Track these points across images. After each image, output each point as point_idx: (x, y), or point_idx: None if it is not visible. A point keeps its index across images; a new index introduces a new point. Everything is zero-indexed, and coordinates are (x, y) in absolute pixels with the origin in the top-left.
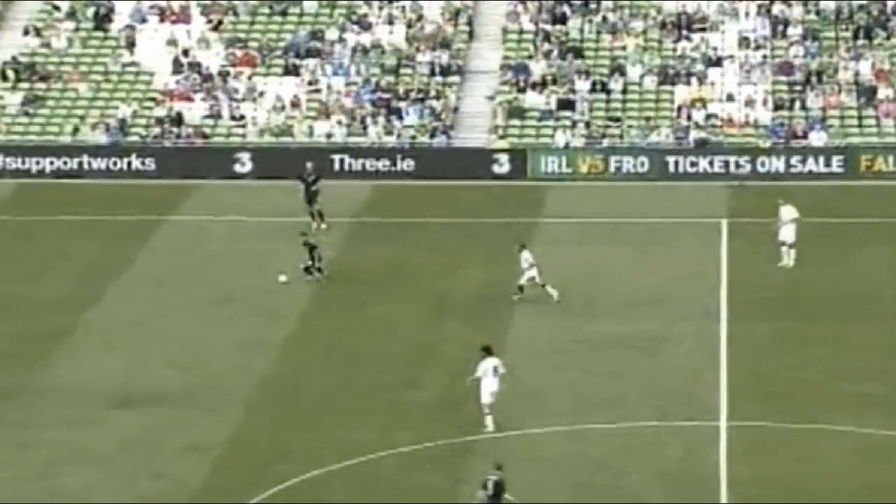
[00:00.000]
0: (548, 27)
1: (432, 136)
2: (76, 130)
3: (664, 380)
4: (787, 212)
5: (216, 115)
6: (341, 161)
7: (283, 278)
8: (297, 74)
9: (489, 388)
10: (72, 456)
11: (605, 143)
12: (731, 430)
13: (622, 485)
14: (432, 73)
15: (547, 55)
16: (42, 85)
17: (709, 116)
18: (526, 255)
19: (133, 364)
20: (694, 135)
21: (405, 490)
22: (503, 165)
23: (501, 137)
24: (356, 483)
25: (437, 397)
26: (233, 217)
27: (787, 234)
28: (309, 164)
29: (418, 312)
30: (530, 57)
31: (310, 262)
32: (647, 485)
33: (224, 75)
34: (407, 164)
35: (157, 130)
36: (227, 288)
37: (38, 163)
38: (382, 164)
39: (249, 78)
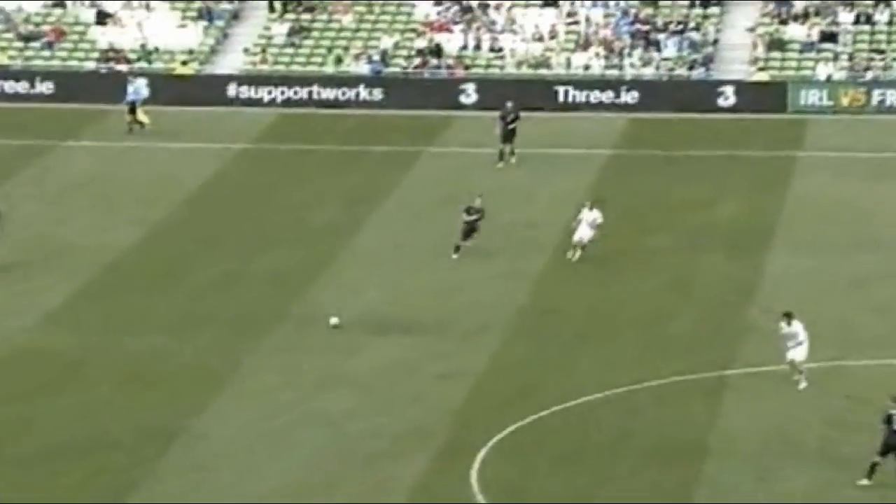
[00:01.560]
0: None
1: (691, 68)
2: (339, 61)
3: None
4: None
5: (475, 47)
6: (566, 92)
7: (334, 321)
8: (556, 6)
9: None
10: (334, 381)
11: (869, 75)
12: None
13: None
14: (692, 5)
15: None
16: (307, 16)
17: None
18: (595, 215)
19: (393, 292)
20: None
21: (660, 422)
22: (761, 98)
23: (761, 70)
24: (610, 414)
25: (692, 331)
26: (489, 149)
27: None
28: (509, 103)
29: (676, 245)
30: None
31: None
32: None
33: (483, 7)
34: (653, 98)
35: (417, 61)
36: (486, 217)
37: (301, 92)
38: (631, 97)
39: (508, 10)
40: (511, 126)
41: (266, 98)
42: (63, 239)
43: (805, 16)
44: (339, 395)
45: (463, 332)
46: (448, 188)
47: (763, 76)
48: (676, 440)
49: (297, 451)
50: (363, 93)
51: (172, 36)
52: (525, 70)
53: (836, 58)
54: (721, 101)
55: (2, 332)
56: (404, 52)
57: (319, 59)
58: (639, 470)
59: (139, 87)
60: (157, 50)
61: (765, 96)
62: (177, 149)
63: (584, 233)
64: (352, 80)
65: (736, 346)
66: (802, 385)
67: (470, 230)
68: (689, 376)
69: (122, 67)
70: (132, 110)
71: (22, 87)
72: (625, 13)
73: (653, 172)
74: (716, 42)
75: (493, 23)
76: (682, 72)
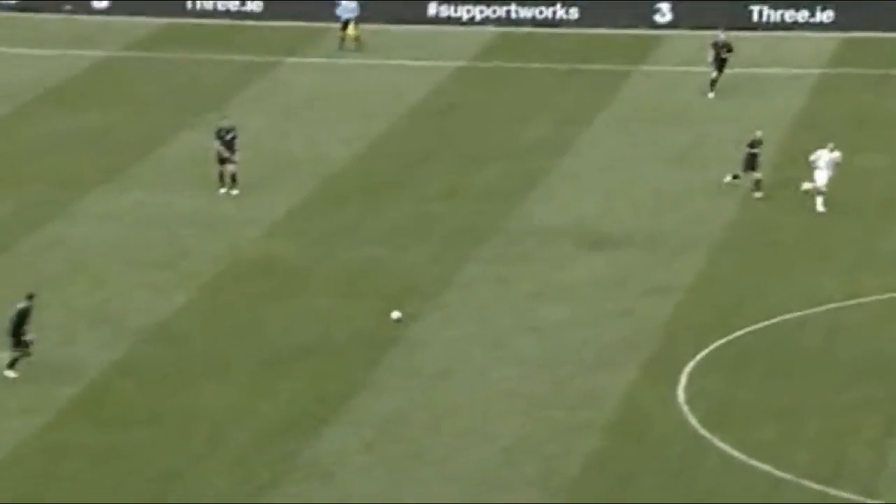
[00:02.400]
0: None
1: None
2: None
3: None
4: None
5: None
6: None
7: (396, 315)
8: None
9: None
10: (545, 292)
11: None
12: None
13: None
14: None
15: None
16: None
17: None
18: (835, 156)
19: (604, 207)
20: None
21: (870, 338)
22: None
23: None
24: (818, 330)
25: None
26: (697, 69)
27: None
28: (722, 34)
29: (889, 164)
30: None
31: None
32: None
33: None
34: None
35: None
36: (695, 137)
37: (518, 11)
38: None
39: None
40: (723, 56)
41: (478, 17)
42: (286, 153)
43: None
44: (551, 307)
45: (672, 247)
46: (658, 107)
47: None
48: (887, 356)
49: (512, 359)
50: (572, 11)
51: None
52: None
53: None
54: None
55: (231, 242)
56: None
57: None
58: (847, 385)
59: (349, 5)
60: None
61: None
62: (394, 66)
63: (822, 177)
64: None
65: None
66: None
67: (751, 162)
68: None
69: None
70: (344, 27)
71: (233, 5)
72: None
73: (861, 91)
74: None
75: None
76: None
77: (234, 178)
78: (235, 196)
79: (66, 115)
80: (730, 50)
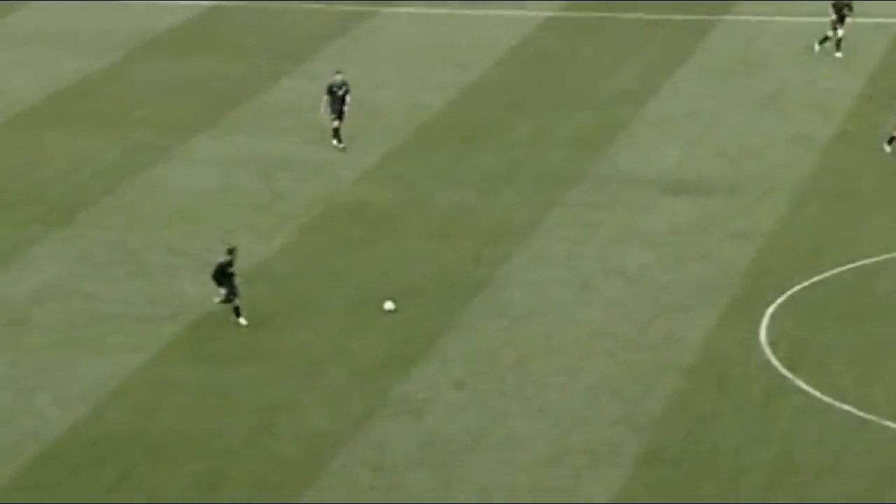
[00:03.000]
0: None
1: None
2: None
3: None
4: None
5: None
6: None
7: (389, 306)
8: None
9: None
10: (629, 237)
11: None
12: None
13: None
14: None
15: None
16: None
17: None
18: None
19: (686, 154)
20: None
21: None
22: None
23: None
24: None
25: None
26: (782, 18)
27: None
28: None
29: None
30: None
31: None
32: None
33: None
34: None
35: None
36: (779, 84)
37: None
38: None
39: None
40: (845, 14)
41: None
42: (381, 101)
43: None
44: (635, 251)
45: (754, 193)
46: (741, 56)
47: None
48: None
49: (596, 301)
50: None
51: None
52: None
53: None
54: None
55: (327, 187)
56: None
57: None
58: None
59: None
60: None
61: None
62: (484, 16)
63: None
64: None
65: None
66: None
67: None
68: None
69: None
70: None
71: None
72: None
73: None
74: None
75: None
76: None
77: (337, 133)
78: (335, 146)
79: (171, 63)
80: (851, 9)
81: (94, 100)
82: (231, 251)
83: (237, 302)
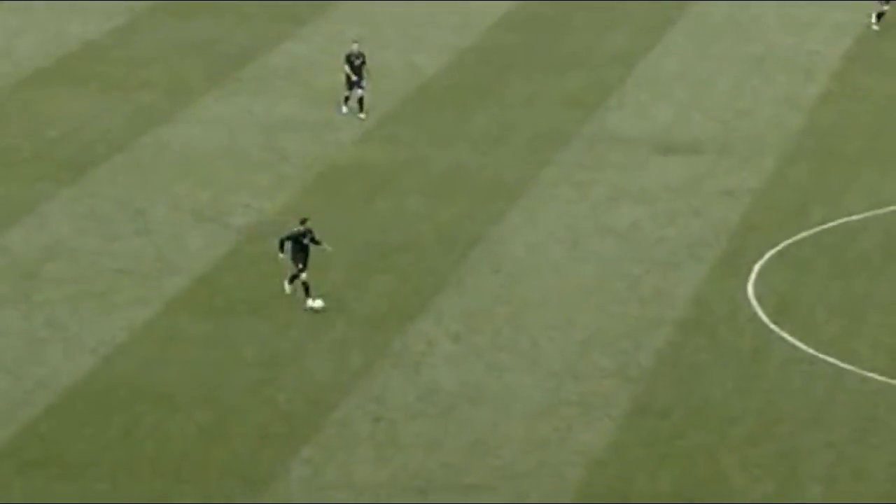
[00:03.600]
0: None
1: None
2: None
3: None
4: None
5: None
6: None
7: (317, 303)
8: None
9: None
10: (620, 195)
11: None
12: None
13: None
14: None
15: None
16: None
17: None
18: None
19: (677, 114)
20: None
21: None
22: None
23: None
24: (880, 233)
25: None
26: None
27: None
28: None
29: None
30: None
31: None
32: None
33: None
34: None
35: None
36: (767, 46)
37: None
38: None
39: None
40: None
41: None
42: (381, 62)
43: None
44: (626, 209)
45: (742, 152)
46: (731, 18)
47: None
48: None
49: (589, 258)
50: None
51: None
52: None
53: None
54: None
55: (327, 147)
56: None
57: None
58: None
59: None
60: None
61: None
62: None
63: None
64: None
65: None
66: None
67: None
68: None
69: None
70: None
71: None
72: None
73: None
74: None
75: None
76: None
77: (361, 103)
78: (353, 114)
79: (177, 25)
80: None
81: (101, 62)
82: (304, 221)
83: (304, 277)
